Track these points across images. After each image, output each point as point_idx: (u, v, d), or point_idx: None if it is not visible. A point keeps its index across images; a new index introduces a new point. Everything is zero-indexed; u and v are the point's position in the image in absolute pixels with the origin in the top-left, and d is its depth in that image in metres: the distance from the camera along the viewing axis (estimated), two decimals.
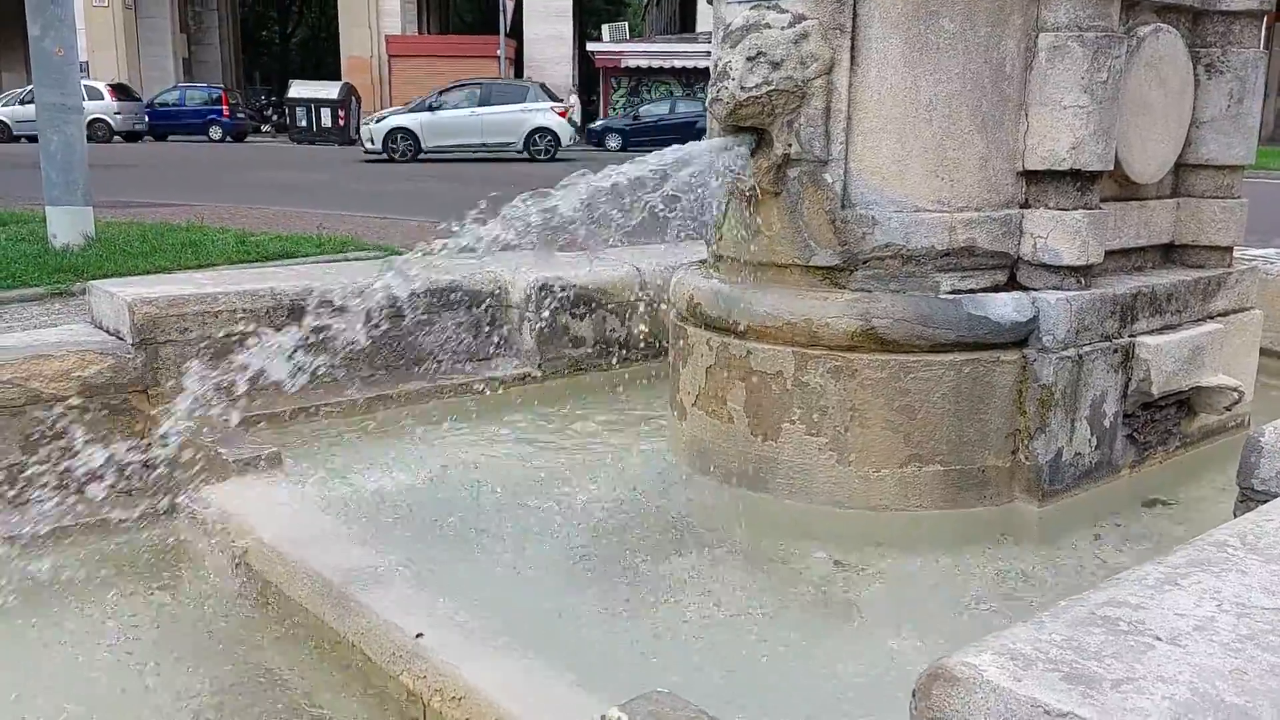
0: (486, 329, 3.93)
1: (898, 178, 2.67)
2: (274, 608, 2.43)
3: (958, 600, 2.41)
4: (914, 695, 1.20)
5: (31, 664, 2.29)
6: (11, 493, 2.88)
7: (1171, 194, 3.30)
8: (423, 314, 3.71)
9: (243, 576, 2.56)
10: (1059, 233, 2.73)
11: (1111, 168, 2.81)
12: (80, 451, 3.01)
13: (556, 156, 23.86)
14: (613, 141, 29.77)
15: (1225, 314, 3.26)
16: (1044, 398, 2.68)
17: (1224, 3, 3.16)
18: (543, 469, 3.20)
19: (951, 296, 2.70)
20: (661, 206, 2.67)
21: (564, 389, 3.92)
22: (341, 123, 30.49)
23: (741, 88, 2.61)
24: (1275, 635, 1.19)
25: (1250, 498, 2.01)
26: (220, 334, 3.25)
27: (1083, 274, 2.80)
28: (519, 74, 36.68)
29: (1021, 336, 2.70)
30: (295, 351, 2.53)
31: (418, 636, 1.99)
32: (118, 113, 30.77)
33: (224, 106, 32.82)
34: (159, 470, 2.99)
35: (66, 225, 8.57)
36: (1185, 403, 3.09)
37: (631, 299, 4.13)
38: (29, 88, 24.59)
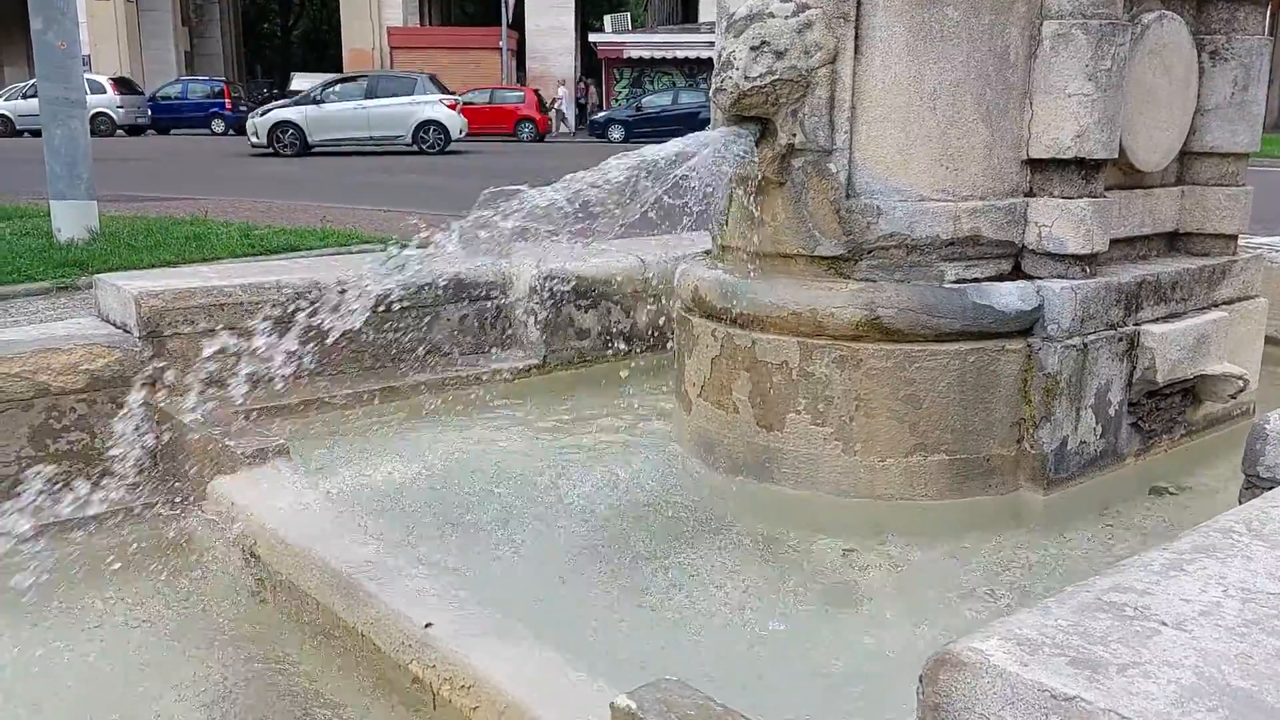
0: (491, 321, 3.93)
1: (902, 167, 2.67)
2: (282, 598, 2.45)
3: (963, 588, 2.42)
4: (921, 680, 1.21)
5: (38, 656, 2.31)
6: (18, 485, 2.90)
7: (1176, 182, 3.30)
8: (427, 307, 3.71)
9: (251, 567, 2.58)
10: (1064, 221, 2.73)
11: (1116, 156, 2.81)
12: (88, 444, 3.03)
13: (449, 149, 23.36)
14: (616, 133, 29.77)
15: (1230, 302, 3.26)
16: (1049, 386, 2.69)
17: None
18: (549, 460, 3.21)
19: (956, 286, 2.70)
20: (666, 198, 2.67)
21: (569, 380, 3.93)
22: None
23: (745, 77, 2.61)
24: None
25: (1256, 485, 2.02)
26: (227, 327, 3.26)
27: (1088, 262, 2.80)
28: (521, 66, 36.67)
29: (1026, 325, 2.70)
30: (300, 344, 2.54)
31: (427, 626, 1.99)
32: (120, 106, 30.77)
33: (226, 99, 32.83)
34: (167, 462, 3.01)
35: (71, 219, 8.59)
36: (1190, 391, 3.09)
37: (636, 290, 4.13)
38: (31, 82, 24.66)
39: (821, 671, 2.12)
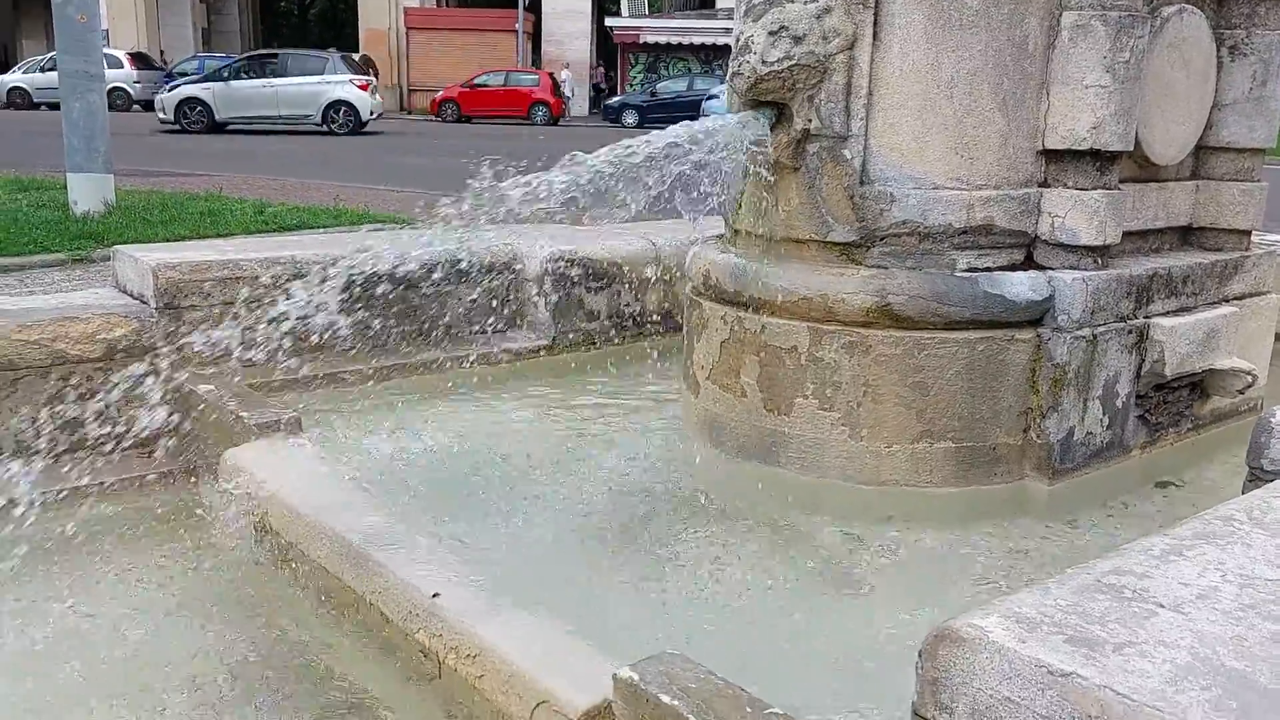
0: (502, 301, 3.96)
1: (917, 155, 2.68)
2: (293, 567, 2.48)
3: (966, 574, 2.44)
4: (920, 655, 1.23)
5: (47, 625, 2.34)
6: (33, 451, 2.94)
7: (1191, 176, 3.29)
8: (439, 285, 3.74)
9: (262, 537, 2.61)
10: (1077, 212, 2.74)
11: (1132, 148, 2.81)
12: (103, 413, 3.07)
13: (364, 130, 23.04)
14: (629, 118, 29.74)
15: (1241, 297, 3.26)
16: (1057, 377, 2.70)
17: None
18: (556, 440, 3.24)
19: (968, 274, 2.71)
20: (679, 182, 2.68)
21: (577, 361, 3.96)
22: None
23: (763, 62, 2.61)
24: (1277, 605, 1.21)
25: (1259, 478, 2.03)
26: (242, 298, 3.29)
27: (1100, 254, 2.80)
28: (536, 49, 36.56)
29: (1036, 315, 2.71)
30: (313, 317, 2.57)
31: (434, 596, 2.03)
32: (137, 81, 30.81)
33: None
34: (180, 432, 3.04)
35: (87, 192, 8.64)
36: (1198, 385, 3.10)
37: (645, 273, 4.15)
38: (49, 55, 24.64)
39: (823, 652, 2.15)
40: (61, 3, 8.27)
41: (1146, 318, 2.91)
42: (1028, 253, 2.84)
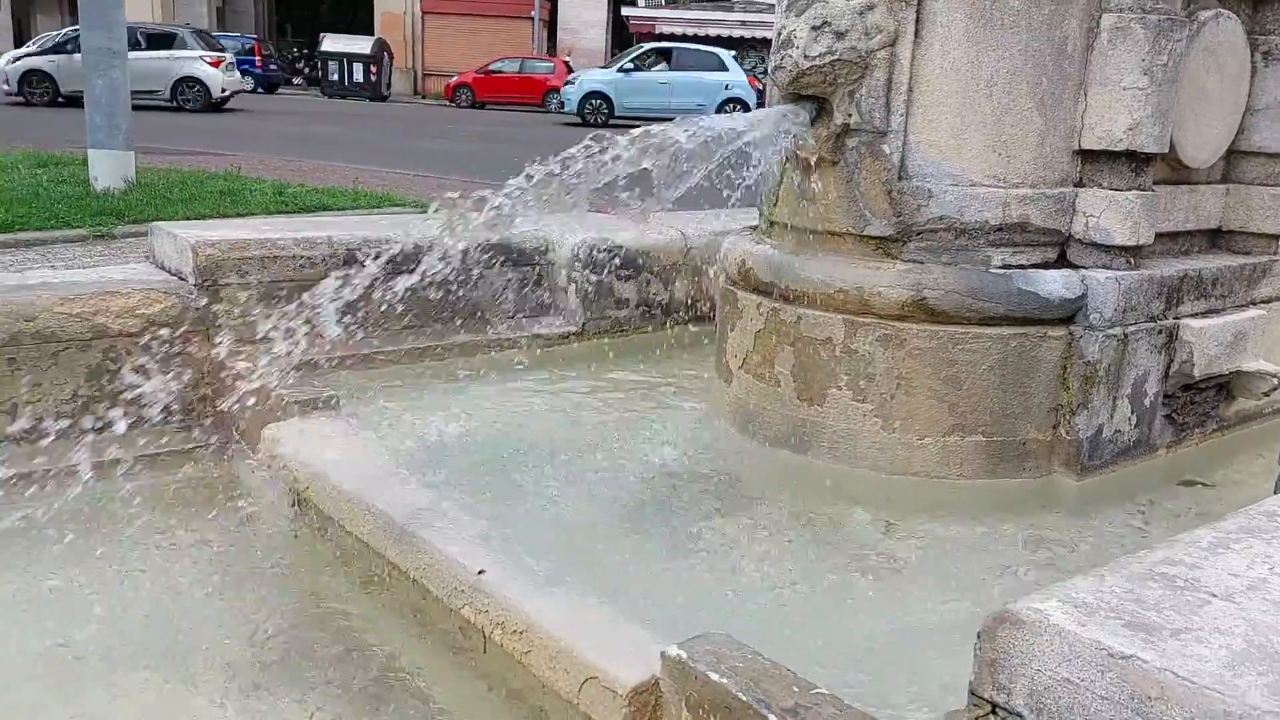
0: (533, 287, 3.99)
1: (955, 151, 2.71)
2: (334, 543, 2.53)
3: (996, 565, 2.48)
4: (979, 637, 1.27)
5: (92, 591, 2.39)
6: (71, 424, 2.98)
7: (1222, 180, 3.32)
8: (473, 270, 3.78)
9: (301, 512, 2.66)
10: (1112, 212, 2.77)
11: (1166, 150, 2.83)
12: (143, 387, 3.11)
13: (224, 108, 22.52)
14: None
15: (1269, 301, 3.29)
16: (1088, 374, 2.73)
17: None
18: (589, 425, 3.28)
19: (1002, 271, 2.74)
20: (715, 173, 2.71)
21: (607, 348, 3.99)
22: (373, 77, 30.48)
23: (805, 56, 2.64)
24: None
25: None
26: (279, 278, 3.34)
27: (1132, 254, 2.83)
28: (552, 37, 36.48)
29: (1069, 313, 2.75)
30: (355, 301, 2.60)
31: (480, 573, 2.07)
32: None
33: (256, 57, 32.76)
34: (220, 407, 3.09)
35: (108, 168, 8.67)
36: (1224, 386, 3.13)
37: (675, 263, 4.18)
38: (64, 31, 24.41)
39: (853, 638, 2.18)
40: None
41: (1176, 318, 2.94)
42: (1061, 251, 2.87)
